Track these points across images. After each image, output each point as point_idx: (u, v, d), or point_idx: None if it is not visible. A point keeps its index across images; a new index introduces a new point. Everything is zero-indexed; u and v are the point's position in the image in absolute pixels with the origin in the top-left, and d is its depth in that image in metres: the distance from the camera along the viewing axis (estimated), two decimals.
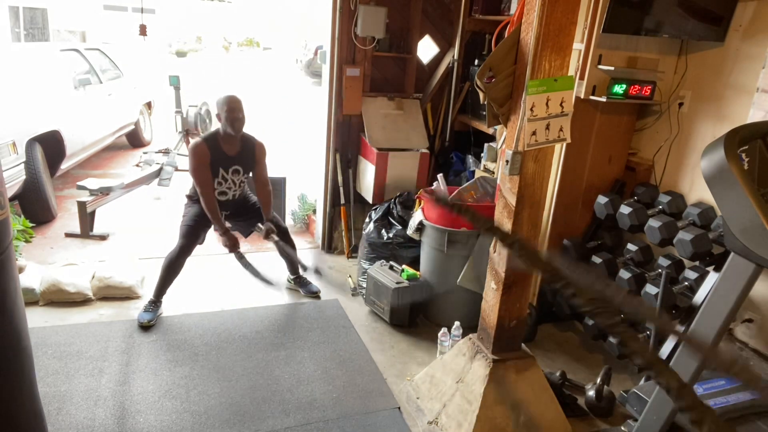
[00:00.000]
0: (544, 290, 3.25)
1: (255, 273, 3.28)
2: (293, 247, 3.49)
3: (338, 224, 4.23)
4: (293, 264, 3.56)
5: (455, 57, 4.16)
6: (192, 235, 3.15)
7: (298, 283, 3.60)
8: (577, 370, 2.96)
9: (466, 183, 3.35)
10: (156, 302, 3.16)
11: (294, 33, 22.42)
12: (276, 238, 3.27)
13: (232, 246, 3.17)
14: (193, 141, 3.19)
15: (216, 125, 3.16)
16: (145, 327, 3.03)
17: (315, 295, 3.57)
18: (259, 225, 3.28)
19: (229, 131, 3.07)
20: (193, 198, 3.25)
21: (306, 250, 4.32)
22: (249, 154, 3.22)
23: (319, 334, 3.14)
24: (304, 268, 3.59)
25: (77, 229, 4.19)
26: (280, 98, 12.34)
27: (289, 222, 4.72)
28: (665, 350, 2.51)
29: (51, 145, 4.59)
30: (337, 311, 3.41)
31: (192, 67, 16.91)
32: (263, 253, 4.15)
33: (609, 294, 0.75)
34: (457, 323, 2.95)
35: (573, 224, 3.19)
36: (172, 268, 3.13)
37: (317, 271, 3.66)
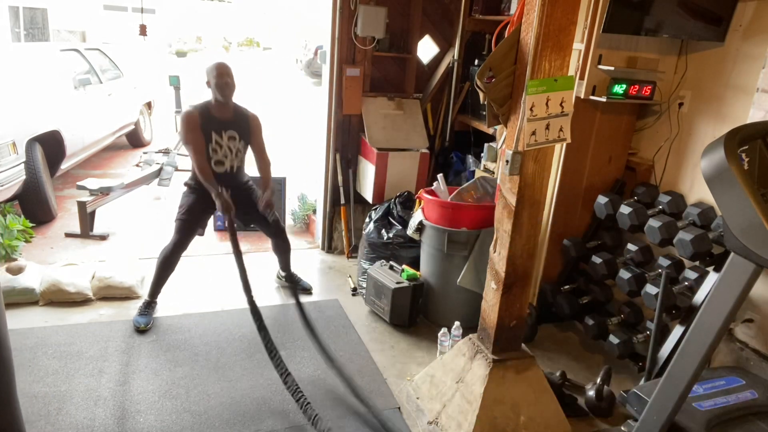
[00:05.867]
0: (544, 290, 3.26)
1: (243, 277, 2.96)
2: (288, 246, 3.45)
3: (338, 224, 4.23)
4: (286, 263, 3.51)
5: (455, 57, 4.16)
6: (187, 230, 3.07)
7: (289, 279, 3.53)
8: (577, 370, 2.96)
9: (466, 183, 3.35)
10: (150, 303, 3.11)
11: (294, 33, 22.43)
12: (275, 215, 3.19)
13: (227, 208, 2.97)
14: (185, 110, 3.13)
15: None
16: (141, 331, 2.99)
17: (307, 291, 3.55)
18: (258, 192, 3.17)
19: (218, 98, 3.00)
20: (192, 186, 3.15)
21: (306, 250, 4.32)
22: (243, 123, 3.13)
23: (319, 334, 3.14)
24: (308, 291, 3.58)
25: (77, 229, 4.20)
26: (280, 98, 12.33)
27: (289, 222, 4.72)
28: (665, 350, 2.52)
29: (51, 145, 4.59)
30: (337, 311, 3.42)
31: (192, 67, 16.91)
32: (262, 253, 4.15)
33: None
34: (457, 323, 2.95)
35: (573, 224, 3.19)
36: (166, 264, 3.06)
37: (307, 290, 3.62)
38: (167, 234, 3.16)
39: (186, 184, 3.21)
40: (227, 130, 3.06)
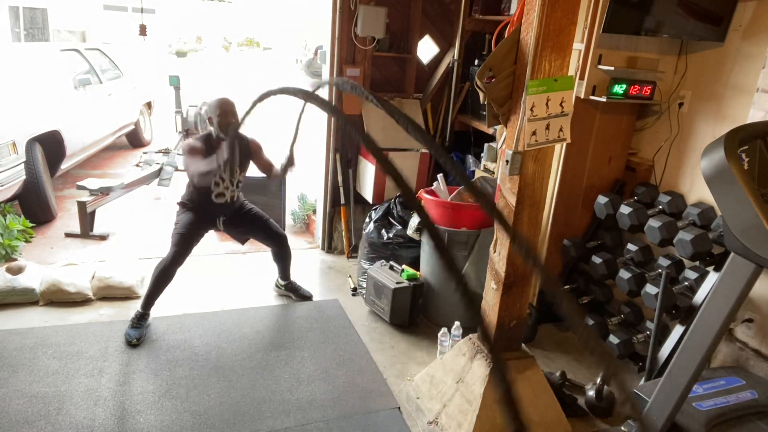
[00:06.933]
0: (544, 290, 3.25)
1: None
2: (289, 254, 3.44)
3: (338, 224, 4.23)
4: (285, 270, 3.49)
5: (455, 57, 4.16)
6: (185, 244, 3.04)
7: (290, 288, 3.54)
8: (577, 370, 2.96)
9: None
10: (144, 315, 3.05)
11: (294, 33, 22.43)
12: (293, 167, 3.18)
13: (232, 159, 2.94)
14: (186, 141, 3.11)
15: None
16: (134, 345, 2.90)
17: (308, 299, 3.53)
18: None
19: (222, 136, 3.00)
20: (186, 204, 3.16)
21: (306, 250, 4.32)
22: (243, 153, 3.14)
23: (319, 334, 3.14)
24: (308, 298, 3.54)
25: (77, 229, 4.19)
26: (280, 98, 12.32)
27: (289, 222, 4.71)
28: (665, 350, 2.52)
29: (51, 145, 4.59)
30: (337, 311, 3.42)
31: (192, 67, 16.91)
32: (262, 253, 4.14)
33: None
34: (457, 323, 2.95)
35: (573, 224, 3.19)
36: (163, 277, 3.01)
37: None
38: (167, 234, 3.15)
39: (180, 203, 3.20)
40: None
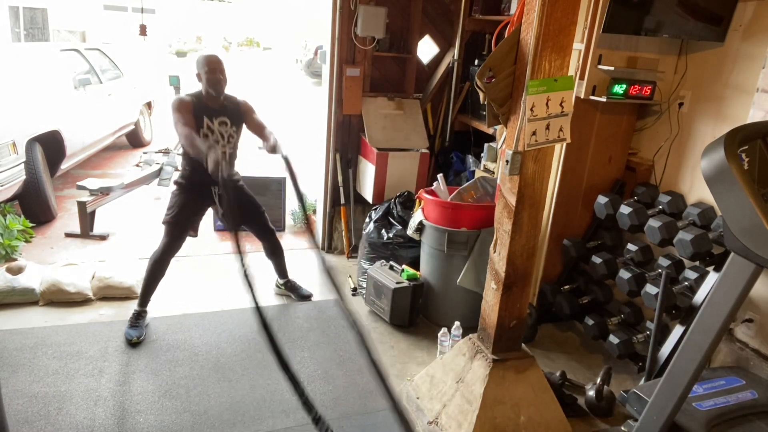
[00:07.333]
0: (544, 290, 3.26)
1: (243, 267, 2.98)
2: (280, 249, 3.41)
3: (338, 224, 4.23)
4: (281, 267, 3.46)
5: (455, 57, 4.16)
6: (177, 233, 2.98)
7: (289, 287, 3.53)
8: (577, 370, 2.96)
9: (466, 183, 3.35)
10: (141, 313, 3.03)
11: (294, 33, 22.43)
12: (284, 153, 2.96)
13: (217, 164, 2.60)
14: (175, 97, 3.05)
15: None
16: (134, 344, 2.90)
17: (308, 298, 3.52)
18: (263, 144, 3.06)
19: (210, 92, 2.94)
20: (182, 185, 3.06)
21: (306, 250, 4.32)
22: (234, 109, 3.07)
23: (319, 334, 3.14)
24: (307, 297, 3.51)
25: (77, 229, 4.20)
26: (280, 98, 12.34)
27: (289, 222, 4.71)
28: (665, 350, 2.52)
29: (51, 145, 4.59)
30: (337, 311, 3.41)
31: (192, 67, 16.90)
32: (261, 254, 4.14)
33: None
34: (457, 323, 2.95)
35: (573, 224, 3.19)
36: (156, 270, 2.97)
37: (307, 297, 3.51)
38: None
39: (176, 182, 3.11)
40: (218, 117, 3.00)
